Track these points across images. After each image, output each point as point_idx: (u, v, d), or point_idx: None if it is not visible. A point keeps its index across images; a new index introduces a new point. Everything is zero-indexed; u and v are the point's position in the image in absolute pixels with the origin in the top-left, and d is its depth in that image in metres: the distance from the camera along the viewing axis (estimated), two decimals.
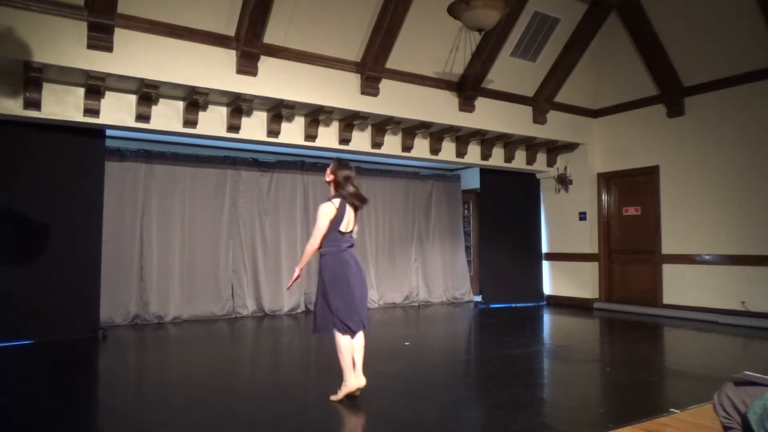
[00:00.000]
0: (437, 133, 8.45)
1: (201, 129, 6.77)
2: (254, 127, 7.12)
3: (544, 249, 10.26)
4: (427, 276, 10.42)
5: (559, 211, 10.06)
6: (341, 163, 4.07)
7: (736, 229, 7.84)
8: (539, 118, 8.97)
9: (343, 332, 3.89)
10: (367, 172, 9.90)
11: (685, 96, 8.47)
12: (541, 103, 8.93)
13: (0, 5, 5.17)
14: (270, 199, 8.88)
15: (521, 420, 3.54)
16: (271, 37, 6.46)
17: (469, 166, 10.02)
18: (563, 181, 9.92)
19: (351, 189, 3.99)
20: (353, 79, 7.24)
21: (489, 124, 8.41)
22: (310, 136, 7.46)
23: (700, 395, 3.76)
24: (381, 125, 7.88)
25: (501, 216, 10.02)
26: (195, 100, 6.46)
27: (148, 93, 6.17)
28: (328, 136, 7.66)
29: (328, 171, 4.07)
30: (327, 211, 3.92)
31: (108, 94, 6.22)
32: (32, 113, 5.83)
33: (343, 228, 3.93)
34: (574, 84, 9.20)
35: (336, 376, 4.01)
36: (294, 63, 6.77)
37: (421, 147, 8.52)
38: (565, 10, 8.20)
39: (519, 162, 9.67)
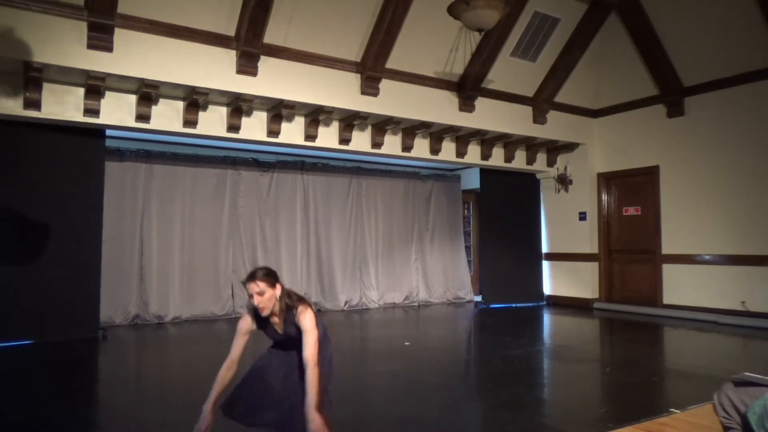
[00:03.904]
0: (437, 133, 8.45)
1: (201, 129, 6.77)
2: (254, 127, 7.13)
3: (544, 249, 10.26)
4: (427, 276, 10.41)
5: (559, 211, 10.05)
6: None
7: (736, 229, 7.84)
8: (539, 118, 8.97)
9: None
10: (367, 172, 9.90)
11: (685, 96, 8.46)
12: (541, 103, 8.92)
13: (0, 5, 5.17)
14: (270, 199, 8.88)
15: (521, 420, 3.54)
16: (271, 37, 6.46)
17: (469, 166, 10.02)
18: (563, 181, 9.92)
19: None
20: (353, 79, 7.24)
21: (489, 124, 8.41)
22: (310, 136, 7.46)
23: (700, 395, 3.75)
24: (381, 125, 7.88)
25: (501, 216, 10.02)
26: (195, 100, 6.46)
27: (148, 93, 6.17)
28: (328, 136, 7.66)
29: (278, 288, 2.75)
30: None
31: (108, 94, 6.22)
32: (32, 113, 5.83)
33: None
34: (574, 84, 9.19)
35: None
36: (294, 63, 6.77)
37: (421, 147, 8.52)
38: (565, 10, 8.20)
39: (519, 162, 9.67)
